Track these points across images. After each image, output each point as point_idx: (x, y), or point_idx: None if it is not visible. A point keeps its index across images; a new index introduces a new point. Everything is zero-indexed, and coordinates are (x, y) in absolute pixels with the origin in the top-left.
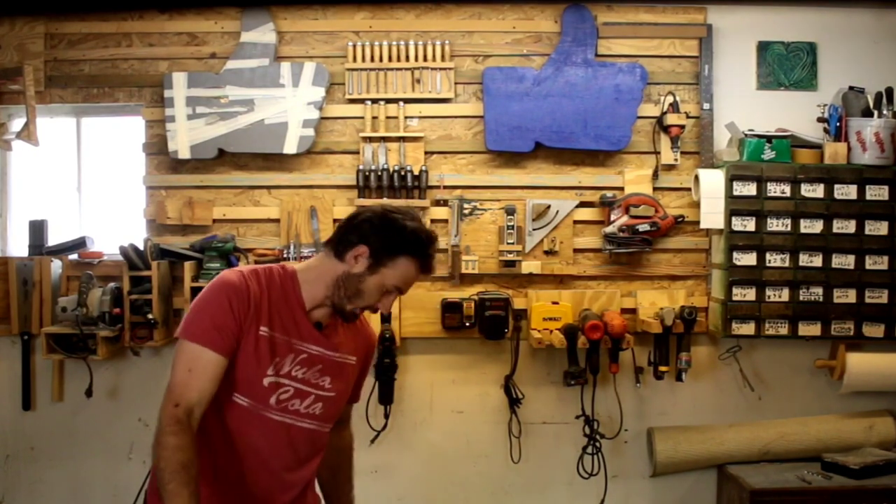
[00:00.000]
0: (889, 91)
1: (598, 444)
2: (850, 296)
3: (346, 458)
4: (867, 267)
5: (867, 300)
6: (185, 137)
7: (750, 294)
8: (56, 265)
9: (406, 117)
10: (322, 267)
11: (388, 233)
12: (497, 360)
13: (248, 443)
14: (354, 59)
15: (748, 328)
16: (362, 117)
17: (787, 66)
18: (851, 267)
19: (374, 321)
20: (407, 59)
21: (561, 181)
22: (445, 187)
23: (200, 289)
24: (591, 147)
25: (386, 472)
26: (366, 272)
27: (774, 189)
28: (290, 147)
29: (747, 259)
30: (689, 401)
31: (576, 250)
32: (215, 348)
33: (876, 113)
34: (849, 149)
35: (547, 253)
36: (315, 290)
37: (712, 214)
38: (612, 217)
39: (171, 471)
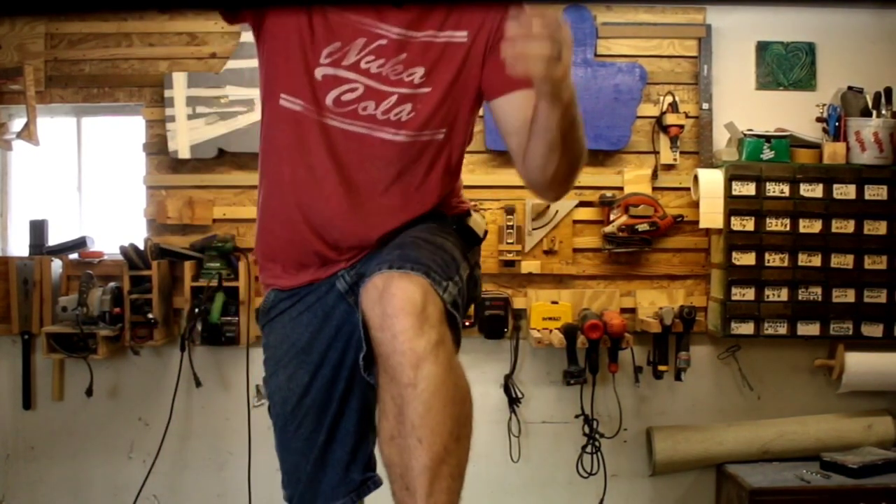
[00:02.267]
0: (888, 91)
1: (597, 443)
2: (848, 295)
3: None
4: (866, 267)
5: (866, 300)
6: (185, 137)
7: (749, 294)
8: (56, 265)
9: None
10: None
11: None
12: (496, 360)
13: (308, 161)
14: None
15: (747, 328)
16: None
17: (786, 66)
18: (850, 267)
19: None
20: None
21: None
22: None
23: (201, 288)
24: (590, 147)
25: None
26: None
27: (773, 189)
28: None
29: (746, 259)
30: (689, 400)
31: (575, 250)
32: None
33: (875, 113)
34: (847, 149)
35: (546, 253)
36: None
37: (711, 214)
38: (612, 217)
39: None
